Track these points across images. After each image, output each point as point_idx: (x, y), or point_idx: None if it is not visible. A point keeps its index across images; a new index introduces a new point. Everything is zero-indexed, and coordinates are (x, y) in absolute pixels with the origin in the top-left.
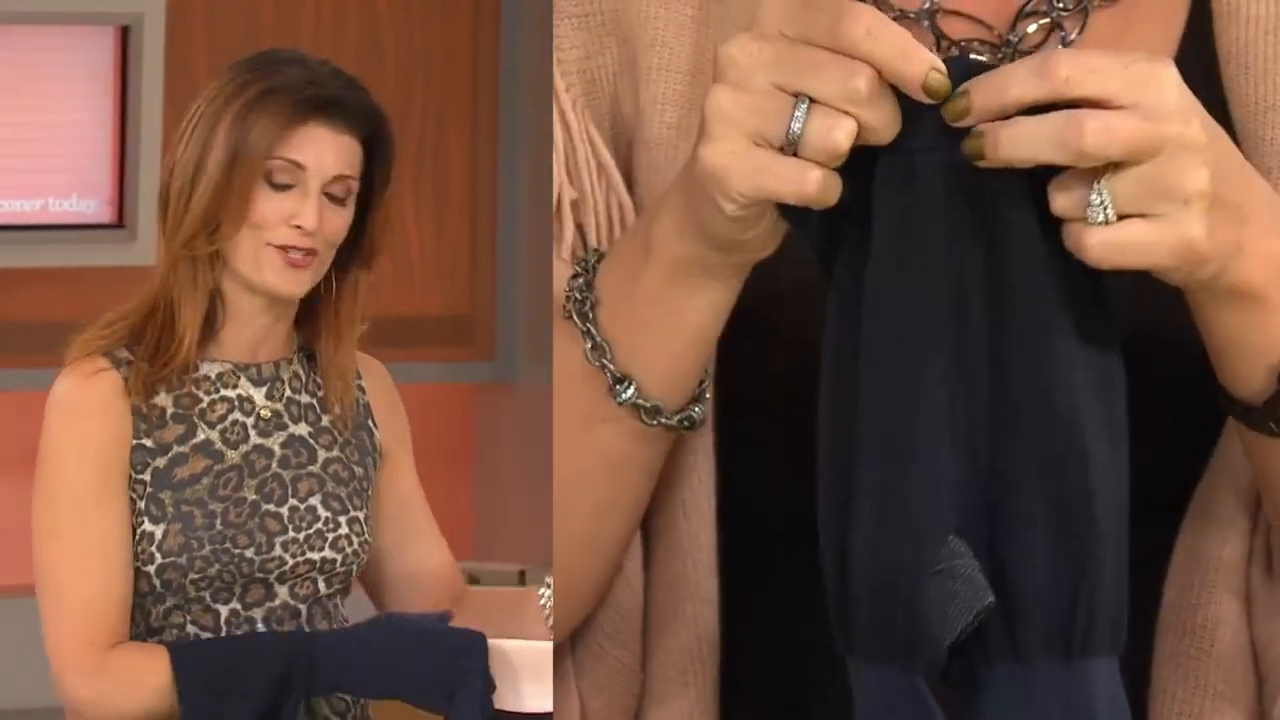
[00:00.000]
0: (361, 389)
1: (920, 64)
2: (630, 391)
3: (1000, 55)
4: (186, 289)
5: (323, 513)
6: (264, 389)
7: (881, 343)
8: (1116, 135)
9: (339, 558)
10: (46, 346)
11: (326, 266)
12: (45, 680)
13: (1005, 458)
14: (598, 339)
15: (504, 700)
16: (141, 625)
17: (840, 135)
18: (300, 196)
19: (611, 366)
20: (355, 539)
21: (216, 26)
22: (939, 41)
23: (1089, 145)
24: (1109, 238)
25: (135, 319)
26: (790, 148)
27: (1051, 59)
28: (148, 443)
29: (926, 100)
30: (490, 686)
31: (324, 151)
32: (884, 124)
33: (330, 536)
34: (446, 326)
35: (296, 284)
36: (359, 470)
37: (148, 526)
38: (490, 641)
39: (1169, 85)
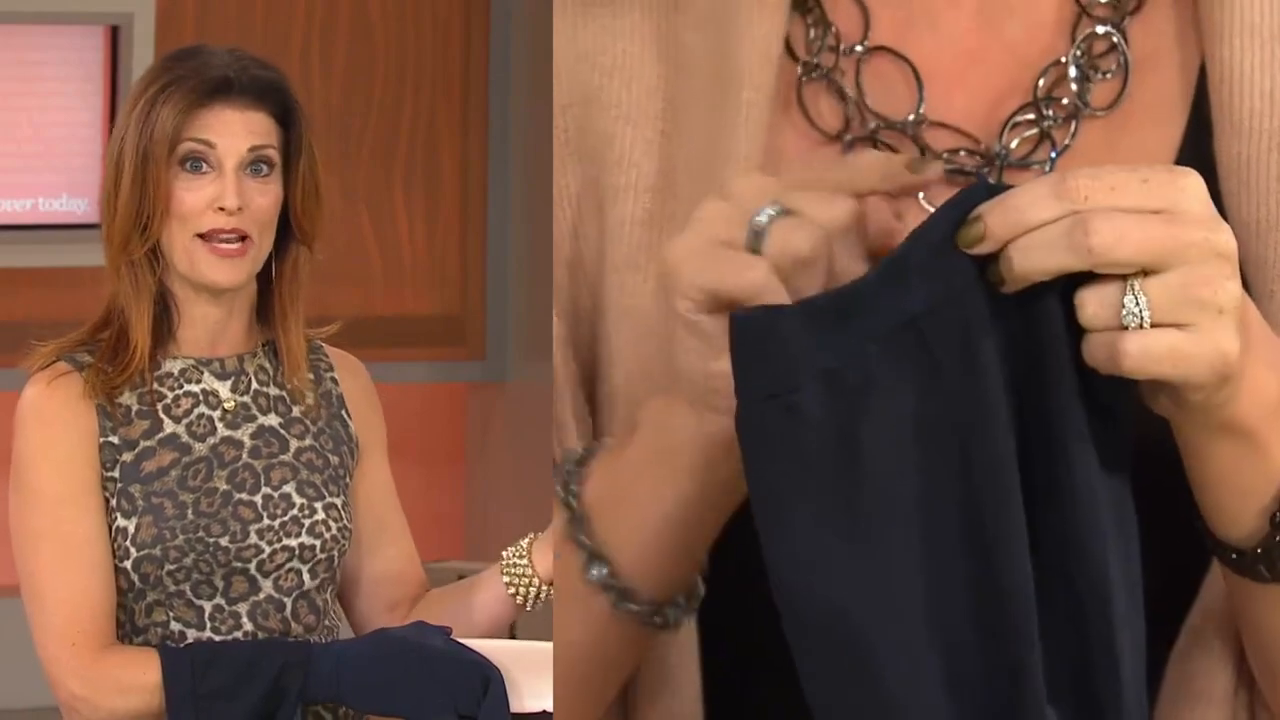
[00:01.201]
0: (334, 380)
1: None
2: (602, 571)
3: (986, 169)
4: (130, 295)
5: (297, 499)
6: (228, 382)
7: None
8: (1127, 236)
9: (317, 543)
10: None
11: (264, 252)
12: (41, 680)
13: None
14: (576, 510)
15: None
16: (126, 625)
17: (801, 238)
18: (218, 178)
19: (586, 541)
20: (333, 524)
21: (206, 27)
22: (923, 154)
23: (1096, 244)
24: (1147, 345)
25: (92, 323)
26: (752, 245)
27: (1070, 179)
28: (114, 439)
29: None
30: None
31: (232, 128)
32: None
33: (306, 523)
34: (438, 326)
35: (232, 273)
36: (334, 459)
37: (121, 522)
38: (490, 642)
39: (1192, 191)
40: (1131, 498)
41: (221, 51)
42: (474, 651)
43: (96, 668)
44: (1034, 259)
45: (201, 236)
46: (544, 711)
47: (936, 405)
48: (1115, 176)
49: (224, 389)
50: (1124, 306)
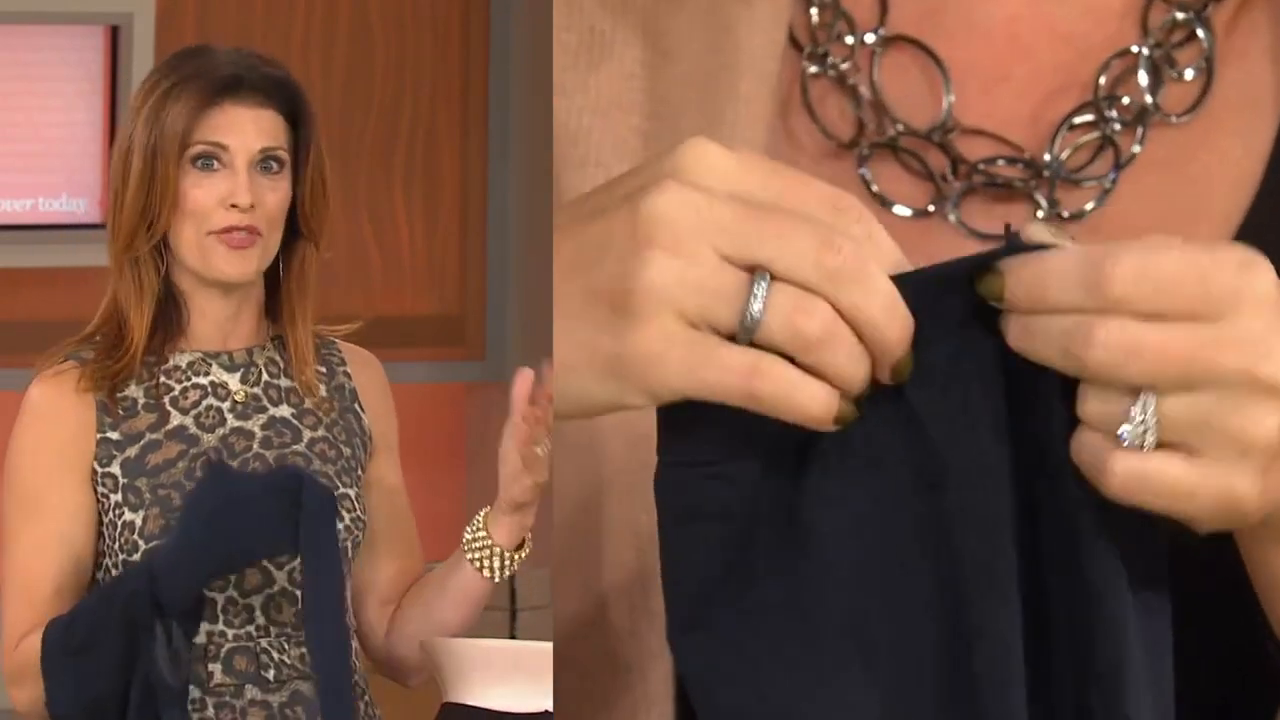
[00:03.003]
0: (347, 374)
1: (900, 327)
2: None
3: (1033, 184)
4: (131, 290)
5: None
6: (238, 374)
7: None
8: (1141, 352)
9: None
10: (37, 346)
11: (274, 247)
12: None
13: None
14: None
15: (503, 700)
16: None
17: (811, 321)
18: (230, 176)
19: None
20: (346, 515)
21: (206, 27)
22: (955, 167)
23: (1093, 360)
24: (1138, 469)
25: (97, 320)
26: (745, 335)
27: (1110, 264)
28: (114, 435)
29: (888, 380)
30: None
31: (244, 127)
32: (877, 309)
33: None
34: (438, 326)
35: (243, 266)
36: (347, 450)
37: (128, 516)
38: (490, 641)
39: (1254, 295)
40: (1169, 613)
41: (229, 50)
42: (280, 471)
43: (16, 651)
44: (1030, 344)
45: (213, 232)
46: (544, 711)
47: (909, 476)
48: (1168, 265)
49: (234, 381)
50: (1129, 417)
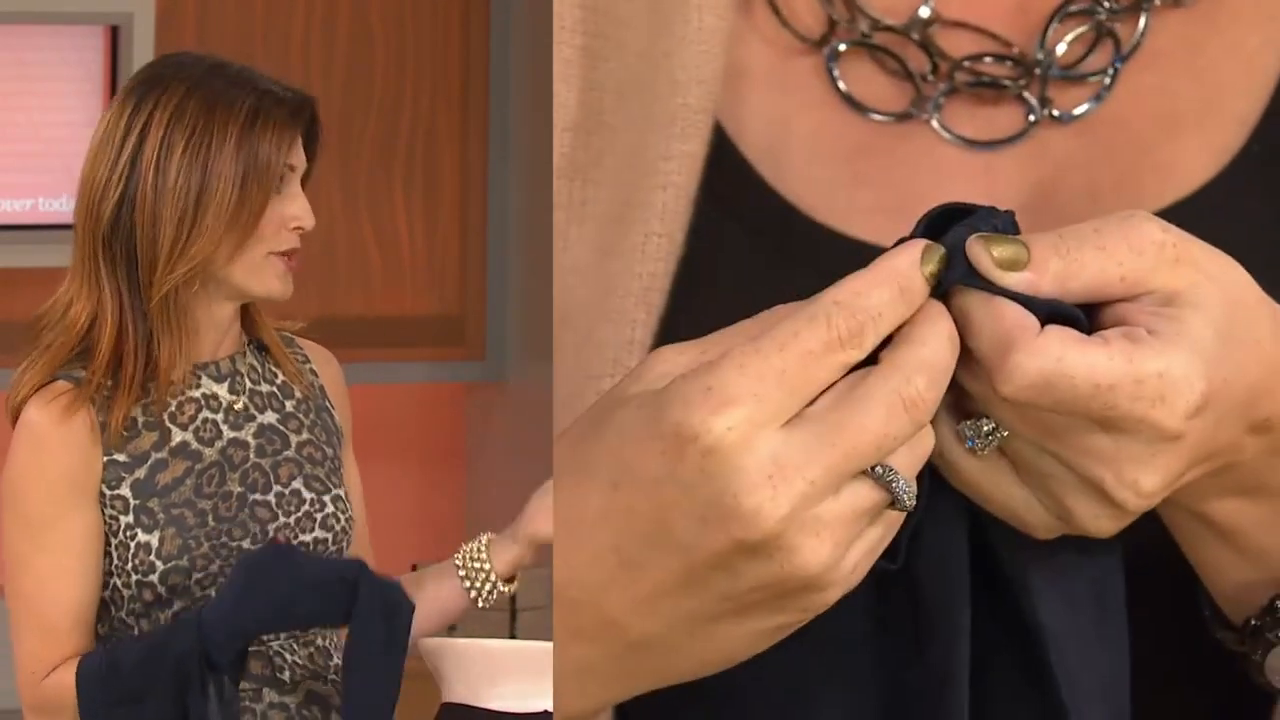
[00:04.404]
0: (313, 371)
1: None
2: None
3: (1022, 82)
4: (173, 324)
5: (307, 494)
6: (225, 384)
7: None
8: (1021, 416)
9: (329, 536)
10: None
11: None
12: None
13: None
14: None
15: (503, 700)
16: (157, 628)
17: (923, 443)
18: (291, 198)
19: None
20: (342, 516)
21: (206, 27)
22: (935, 65)
23: (1001, 389)
24: (978, 477)
25: (72, 335)
26: (905, 507)
27: (1011, 366)
28: (120, 457)
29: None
30: (387, 611)
31: (299, 149)
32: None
33: (319, 516)
34: (437, 326)
35: (290, 285)
36: (329, 450)
37: (142, 537)
38: (490, 642)
39: (1152, 431)
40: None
41: (240, 66)
42: (339, 559)
43: (47, 683)
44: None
45: (274, 252)
46: (544, 711)
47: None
48: (1064, 395)
49: (222, 391)
50: (978, 423)
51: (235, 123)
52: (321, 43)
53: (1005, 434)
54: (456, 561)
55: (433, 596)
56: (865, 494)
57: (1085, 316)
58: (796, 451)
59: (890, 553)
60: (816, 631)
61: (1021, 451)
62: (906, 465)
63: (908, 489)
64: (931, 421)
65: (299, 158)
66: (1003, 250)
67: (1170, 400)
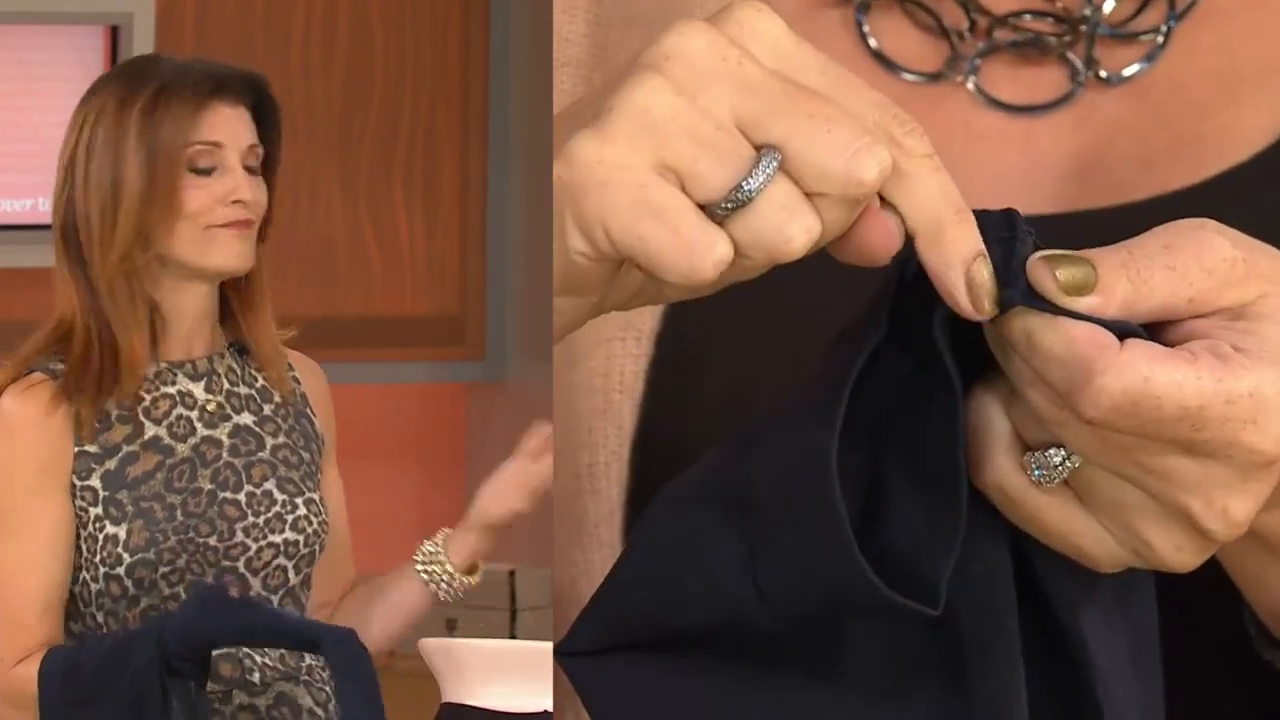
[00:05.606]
0: (296, 379)
1: (970, 237)
2: None
3: (1067, 40)
4: (125, 304)
5: (279, 496)
6: (202, 383)
7: None
8: (1106, 442)
9: (300, 539)
10: None
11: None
12: None
13: None
14: None
15: (503, 700)
16: (120, 631)
17: (798, 232)
18: (226, 174)
19: None
20: (314, 519)
21: (206, 27)
22: (973, 22)
23: (1080, 411)
24: (1038, 508)
25: (49, 329)
26: (720, 211)
27: (1095, 385)
28: (91, 448)
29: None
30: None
31: (233, 125)
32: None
33: (289, 518)
34: (437, 326)
35: (242, 256)
36: (306, 455)
37: (110, 529)
38: (490, 642)
39: (1243, 452)
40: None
41: (180, 59)
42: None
43: (8, 677)
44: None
45: (213, 226)
46: (544, 711)
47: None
48: (1149, 413)
49: (199, 389)
50: (1047, 454)
51: (137, 110)
52: (321, 43)
53: (1077, 464)
54: (416, 560)
55: (397, 600)
56: (733, 144)
57: (1146, 333)
58: (748, 63)
59: (928, 596)
60: (865, 683)
61: (1095, 481)
62: (773, 205)
63: (751, 194)
64: (989, 456)
65: (227, 133)
66: (1069, 274)
67: (1263, 422)
